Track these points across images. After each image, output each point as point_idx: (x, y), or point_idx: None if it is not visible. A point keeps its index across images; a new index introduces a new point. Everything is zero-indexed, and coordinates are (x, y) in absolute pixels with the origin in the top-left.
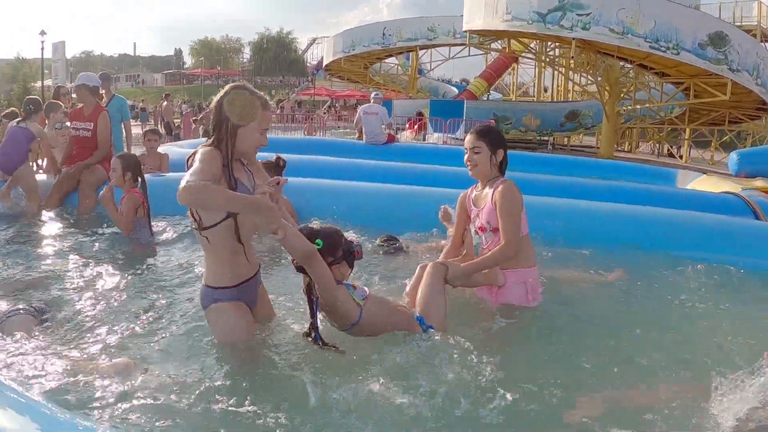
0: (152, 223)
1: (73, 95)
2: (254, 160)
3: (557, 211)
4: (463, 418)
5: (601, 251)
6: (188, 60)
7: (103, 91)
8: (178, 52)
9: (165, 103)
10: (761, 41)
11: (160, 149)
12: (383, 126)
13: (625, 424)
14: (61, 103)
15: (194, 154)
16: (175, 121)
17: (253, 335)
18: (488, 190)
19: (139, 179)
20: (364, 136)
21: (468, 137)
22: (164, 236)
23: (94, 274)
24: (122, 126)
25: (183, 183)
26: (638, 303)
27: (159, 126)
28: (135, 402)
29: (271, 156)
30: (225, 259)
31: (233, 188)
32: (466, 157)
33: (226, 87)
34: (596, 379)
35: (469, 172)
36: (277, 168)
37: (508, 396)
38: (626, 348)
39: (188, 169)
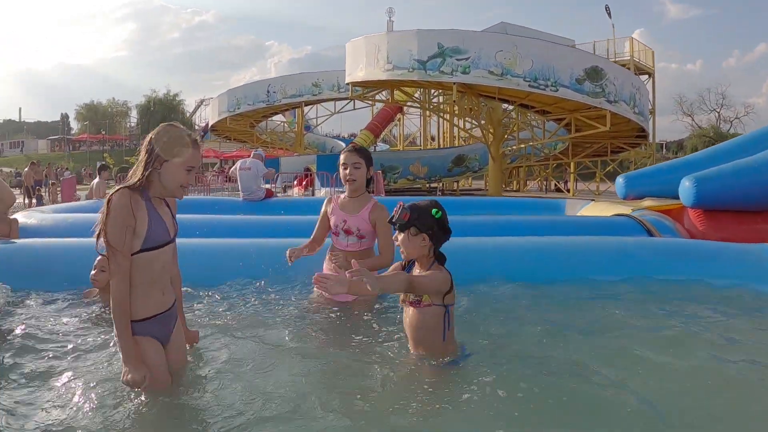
0: None
1: None
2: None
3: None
4: None
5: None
6: (74, 125)
7: None
8: (65, 117)
9: (27, 169)
10: (635, 74)
11: (19, 215)
12: (260, 179)
13: None
14: None
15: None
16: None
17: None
18: (358, 203)
19: None
20: (240, 193)
21: (347, 154)
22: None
23: None
24: None
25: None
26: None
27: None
28: None
29: None
30: (139, 291)
31: (152, 229)
32: (346, 171)
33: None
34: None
35: (347, 186)
36: None
37: None
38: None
39: (102, 230)
